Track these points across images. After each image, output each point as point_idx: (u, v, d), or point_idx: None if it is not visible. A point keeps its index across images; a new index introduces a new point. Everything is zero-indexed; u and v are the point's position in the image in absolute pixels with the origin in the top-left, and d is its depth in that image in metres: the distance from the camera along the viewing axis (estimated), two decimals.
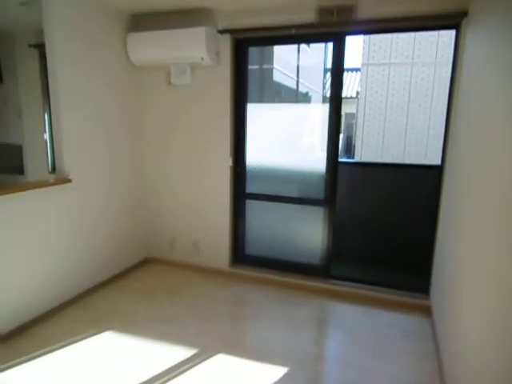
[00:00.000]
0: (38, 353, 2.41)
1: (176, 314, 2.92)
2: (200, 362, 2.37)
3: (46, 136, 4.11)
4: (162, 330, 2.70)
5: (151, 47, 3.23)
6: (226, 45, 3.26)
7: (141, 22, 3.41)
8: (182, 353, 2.45)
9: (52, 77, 2.83)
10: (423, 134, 8.18)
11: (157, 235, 3.88)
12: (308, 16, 2.99)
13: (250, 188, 3.57)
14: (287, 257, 3.56)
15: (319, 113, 3.55)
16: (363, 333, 2.74)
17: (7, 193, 2.47)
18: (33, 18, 3.42)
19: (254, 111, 3.48)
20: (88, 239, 3.17)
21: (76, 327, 2.71)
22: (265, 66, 4.45)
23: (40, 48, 3.89)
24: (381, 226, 3.92)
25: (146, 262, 3.90)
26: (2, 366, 2.27)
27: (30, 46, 3.90)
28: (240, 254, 3.69)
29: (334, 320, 3.04)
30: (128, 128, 3.55)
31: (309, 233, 3.50)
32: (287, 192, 3.49)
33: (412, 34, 7.92)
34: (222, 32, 3.20)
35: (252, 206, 3.62)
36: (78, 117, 2.99)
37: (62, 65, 2.83)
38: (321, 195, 3.34)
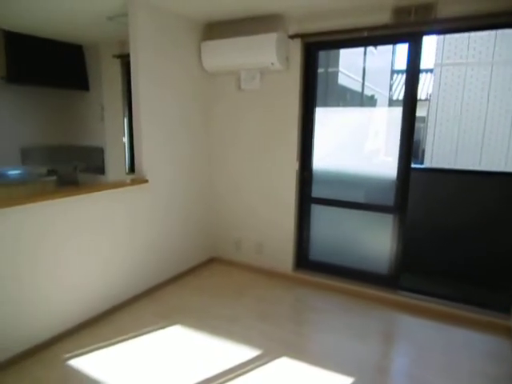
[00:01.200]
0: (113, 340, 2.60)
1: (241, 315, 2.97)
2: (264, 364, 2.39)
3: (125, 139, 4.43)
4: (227, 329, 2.76)
5: (223, 54, 3.35)
6: (295, 49, 3.27)
7: (213, 30, 3.54)
8: (246, 353, 2.49)
9: (134, 84, 3.04)
10: (503, 139, 7.50)
11: (223, 236, 3.99)
12: (382, 17, 2.90)
13: (316, 192, 3.54)
14: (352, 264, 3.46)
15: (386, 116, 3.42)
16: (434, 350, 2.58)
17: (95, 190, 2.74)
18: (117, 30, 3.73)
19: (319, 115, 3.45)
20: (159, 236, 3.36)
21: (147, 319, 2.88)
22: (330, 69, 4.39)
23: (122, 58, 4.22)
24: (454, 236, 3.67)
25: (211, 262, 4.03)
26: (83, 350, 2.49)
27: (114, 56, 4.24)
28: (304, 259, 3.67)
29: (401, 333, 2.89)
30: (199, 132, 3.71)
31: (376, 240, 3.37)
32: (353, 197, 3.40)
33: (492, 31, 7.32)
34: (292, 37, 3.22)
35: (317, 211, 3.58)
36: (155, 121, 3.19)
37: (143, 73, 3.03)
38: (390, 202, 3.21)
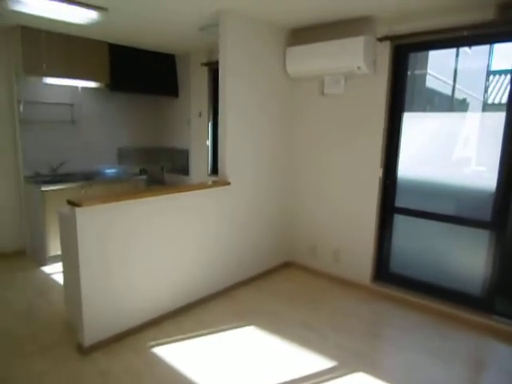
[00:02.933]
0: (193, 333, 2.74)
1: (316, 323, 2.93)
2: (338, 377, 2.33)
3: (208, 142, 4.65)
4: (302, 336, 2.74)
5: (308, 59, 3.35)
6: (383, 52, 3.15)
7: (298, 35, 3.56)
8: (320, 363, 2.45)
9: (222, 89, 3.17)
10: None
11: (299, 240, 3.98)
12: (484, 14, 2.66)
13: (400, 202, 3.36)
14: (438, 281, 3.21)
15: (479, 122, 3.12)
16: None
17: (183, 191, 2.92)
18: (206, 40, 3.94)
19: (405, 121, 3.27)
20: (239, 238, 3.46)
21: (224, 317, 2.98)
22: (417, 72, 4.14)
23: (209, 65, 4.44)
24: None
25: (286, 266, 4.04)
26: (166, 340, 2.65)
27: (202, 64, 4.49)
28: (383, 271, 3.50)
29: (494, 362, 2.60)
30: (280, 137, 3.75)
31: (467, 257, 3.09)
32: (441, 209, 3.16)
33: None
34: (381, 39, 3.10)
35: (400, 221, 3.39)
36: (239, 125, 3.29)
37: (231, 79, 3.15)
38: (486, 216, 2.92)
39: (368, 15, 3.07)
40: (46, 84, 4.09)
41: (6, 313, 2.99)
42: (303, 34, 3.52)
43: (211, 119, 4.61)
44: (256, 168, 3.54)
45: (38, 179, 4.00)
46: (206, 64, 4.46)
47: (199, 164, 4.81)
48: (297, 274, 3.86)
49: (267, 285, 3.61)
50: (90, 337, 2.46)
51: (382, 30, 3.11)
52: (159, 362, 2.42)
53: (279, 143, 3.76)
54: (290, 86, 3.74)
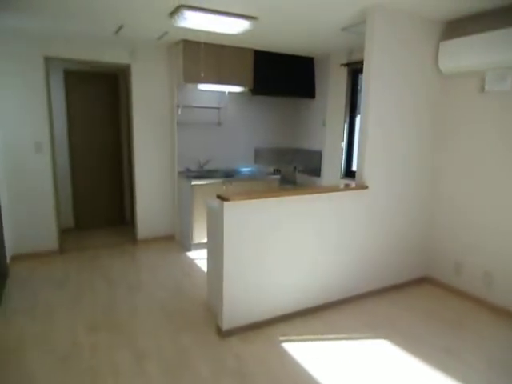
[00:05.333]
0: (322, 336, 2.72)
1: (459, 350, 2.60)
2: None
3: (343, 144, 4.56)
4: (441, 360, 2.47)
5: (466, 53, 2.99)
6: None
7: (453, 28, 3.20)
8: None
9: (365, 91, 3.06)
10: None
11: (440, 255, 3.59)
12: None
13: None
14: None
15: None
16: None
17: (324, 191, 2.95)
18: (348, 40, 3.86)
19: None
20: (373, 245, 3.30)
21: (354, 325, 2.89)
22: None
23: (349, 66, 4.35)
24: None
25: (424, 281, 3.70)
26: (296, 337, 2.70)
27: (342, 65, 4.42)
28: None
29: None
30: (425, 140, 3.45)
31: None
32: None
33: None
34: None
35: None
36: (381, 128, 3.14)
37: (376, 79, 3.02)
38: None
39: None
40: (200, 90, 4.60)
41: (160, 288, 3.47)
42: (460, 26, 3.15)
43: (347, 121, 4.51)
44: (396, 174, 3.32)
45: (189, 174, 4.52)
46: (345, 65, 4.39)
47: (331, 166, 4.76)
48: (436, 292, 3.49)
49: (402, 299, 3.35)
50: (228, 322, 2.67)
51: None
52: (288, 356, 2.48)
53: (423, 149, 3.46)
54: (441, 83, 3.40)
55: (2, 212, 3.51)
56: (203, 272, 3.85)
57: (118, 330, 2.75)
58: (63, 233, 4.46)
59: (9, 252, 3.82)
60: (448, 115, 3.42)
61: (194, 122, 4.69)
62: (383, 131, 3.16)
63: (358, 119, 4.44)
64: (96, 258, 4.23)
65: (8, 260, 3.75)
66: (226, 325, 2.66)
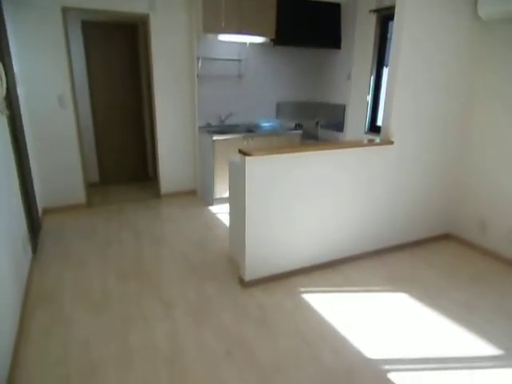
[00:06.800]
0: (340, 288, 2.79)
1: (479, 305, 2.63)
2: (503, 367, 2.07)
3: (369, 98, 4.39)
4: (460, 315, 2.50)
5: None
6: None
7: None
8: (481, 347, 2.21)
9: (396, 39, 2.88)
10: None
11: (464, 212, 3.54)
12: None
13: None
14: None
15: None
16: None
17: (348, 146, 2.88)
18: None
19: None
20: (396, 201, 3.27)
21: (373, 278, 2.94)
22: None
23: (378, 12, 4.07)
24: None
25: (445, 238, 3.68)
26: (315, 289, 2.78)
27: (371, 11, 4.14)
28: None
29: None
30: (458, 96, 3.26)
31: None
32: None
33: None
34: None
35: None
36: (409, 79, 2.98)
37: (407, 25, 2.82)
38: None
39: None
40: (220, 41, 4.44)
41: (184, 240, 3.58)
42: None
43: (374, 73, 4.31)
44: (423, 129, 3.20)
45: (210, 129, 4.50)
46: (374, 11, 4.11)
47: (355, 120, 4.62)
48: (458, 249, 3.48)
49: (423, 255, 3.36)
50: (250, 273, 2.76)
51: None
52: (308, 305, 2.57)
53: (453, 102, 3.28)
54: (480, 32, 3.15)
55: (31, 166, 3.62)
56: (225, 225, 3.94)
57: (145, 279, 2.89)
58: (89, 187, 4.59)
59: (40, 205, 3.98)
60: (484, 69, 3.20)
61: (214, 76, 4.58)
62: (412, 85, 3.01)
63: (385, 72, 4.23)
64: (122, 211, 4.37)
65: (40, 213, 3.92)
66: (248, 276, 2.76)
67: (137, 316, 2.44)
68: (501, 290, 2.82)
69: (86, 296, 2.66)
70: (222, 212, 4.34)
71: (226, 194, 4.44)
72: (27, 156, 3.48)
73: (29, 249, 3.05)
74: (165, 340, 2.22)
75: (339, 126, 4.89)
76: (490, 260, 3.27)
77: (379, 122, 4.35)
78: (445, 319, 2.46)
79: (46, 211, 4.21)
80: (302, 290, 2.77)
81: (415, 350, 2.18)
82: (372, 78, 4.32)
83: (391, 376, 1.98)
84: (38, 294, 2.67)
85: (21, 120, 3.36)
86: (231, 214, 3.13)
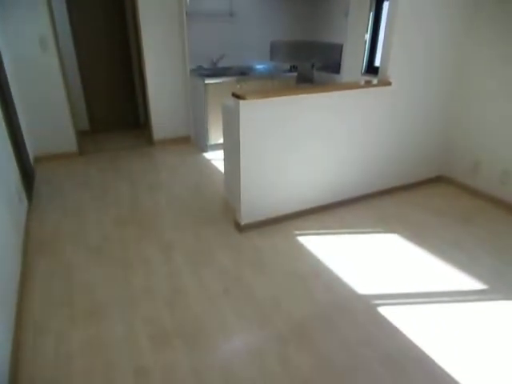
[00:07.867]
0: (334, 230, 2.87)
1: (467, 243, 2.73)
2: (485, 300, 2.19)
3: (367, 36, 4.19)
4: (449, 253, 2.61)
5: None
6: None
7: None
8: (467, 282, 2.33)
9: None
10: None
11: (457, 154, 3.54)
12: None
13: None
14: None
15: None
16: None
17: (344, 88, 2.79)
18: None
19: None
20: (391, 144, 3.25)
21: (365, 220, 3.01)
22: None
23: None
24: None
25: (438, 181, 3.72)
26: (310, 231, 2.85)
27: None
28: None
29: None
30: (456, 33, 3.12)
31: None
32: None
33: None
34: None
35: None
36: (409, 18, 2.82)
37: None
38: None
39: None
40: None
41: (180, 187, 3.59)
42: None
43: (373, 9, 4.07)
44: (421, 70, 3.09)
45: (201, 72, 4.32)
46: None
47: (352, 61, 4.44)
48: (451, 191, 3.54)
49: (415, 197, 3.42)
50: (246, 217, 2.80)
51: None
52: (303, 247, 2.65)
53: (453, 44, 3.15)
54: None
55: (18, 114, 3.51)
56: (220, 171, 3.93)
57: (143, 225, 2.94)
58: (80, 135, 4.49)
59: (31, 153, 3.92)
60: (488, 11, 3.04)
61: (204, 13, 4.31)
62: (412, 22, 2.85)
63: (385, 6, 4.00)
64: (115, 159, 4.32)
65: (32, 161, 3.87)
66: (244, 220, 2.80)
67: (137, 259, 2.51)
68: (491, 229, 2.91)
69: (86, 241, 2.71)
70: (216, 158, 4.31)
71: (221, 141, 4.38)
72: (13, 103, 3.36)
73: (24, 197, 3.05)
74: (165, 281, 2.30)
75: (336, 68, 4.71)
76: (481, 201, 3.34)
77: (377, 63, 4.19)
78: (433, 257, 2.57)
79: (38, 160, 4.15)
80: (297, 232, 2.84)
81: (404, 286, 2.29)
82: (371, 14, 4.09)
83: (381, 310, 2.10)
84: (38, 241, 2.72)
85: (2, 66, 3.19)
86: (226, 159, 3.11)
